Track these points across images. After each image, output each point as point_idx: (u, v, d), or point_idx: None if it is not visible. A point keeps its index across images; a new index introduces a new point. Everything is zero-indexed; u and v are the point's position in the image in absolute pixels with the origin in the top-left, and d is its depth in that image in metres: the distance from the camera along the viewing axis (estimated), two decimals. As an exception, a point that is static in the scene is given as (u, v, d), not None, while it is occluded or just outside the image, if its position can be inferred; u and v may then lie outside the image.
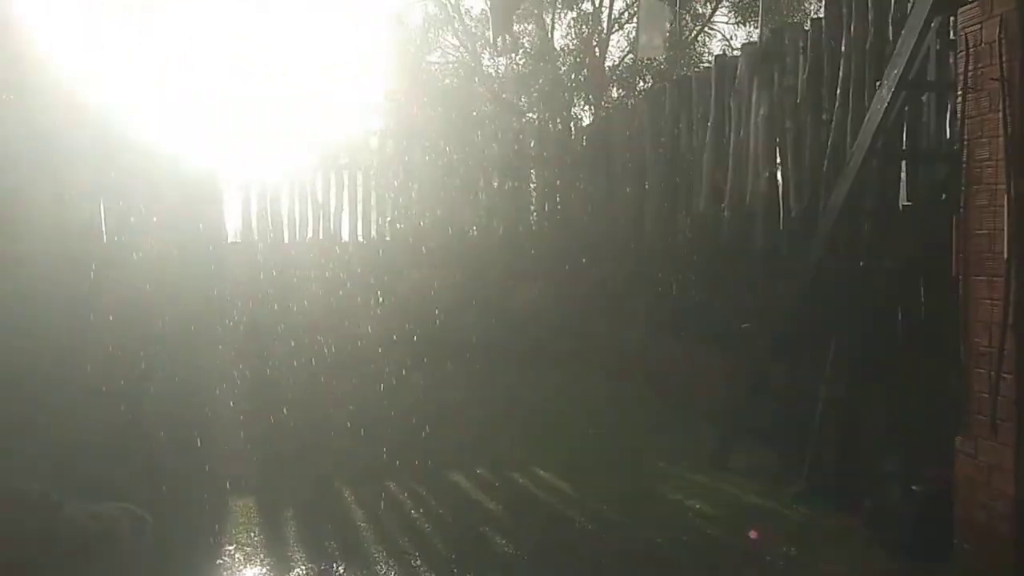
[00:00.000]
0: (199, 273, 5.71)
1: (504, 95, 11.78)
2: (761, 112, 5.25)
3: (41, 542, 3.10)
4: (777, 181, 5.15)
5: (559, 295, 7.38)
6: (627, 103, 10.73)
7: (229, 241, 7.82)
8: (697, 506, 4.07)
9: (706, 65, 10.47)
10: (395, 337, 6.63)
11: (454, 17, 12.81)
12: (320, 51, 12.98)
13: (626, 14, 12.61)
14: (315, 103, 12.71)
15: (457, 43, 13.02)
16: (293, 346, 6.23)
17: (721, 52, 12.18)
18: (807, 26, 5.11)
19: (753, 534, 3.64)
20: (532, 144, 8.79)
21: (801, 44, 5.02)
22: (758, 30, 12.56)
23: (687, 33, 12.42)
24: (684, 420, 5.44)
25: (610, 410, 5.81)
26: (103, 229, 5.27)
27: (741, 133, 5.46)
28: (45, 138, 4.09)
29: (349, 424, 5.10)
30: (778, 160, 5.14)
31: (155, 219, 5.55)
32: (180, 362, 4.84)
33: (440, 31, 12.80)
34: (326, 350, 6.40)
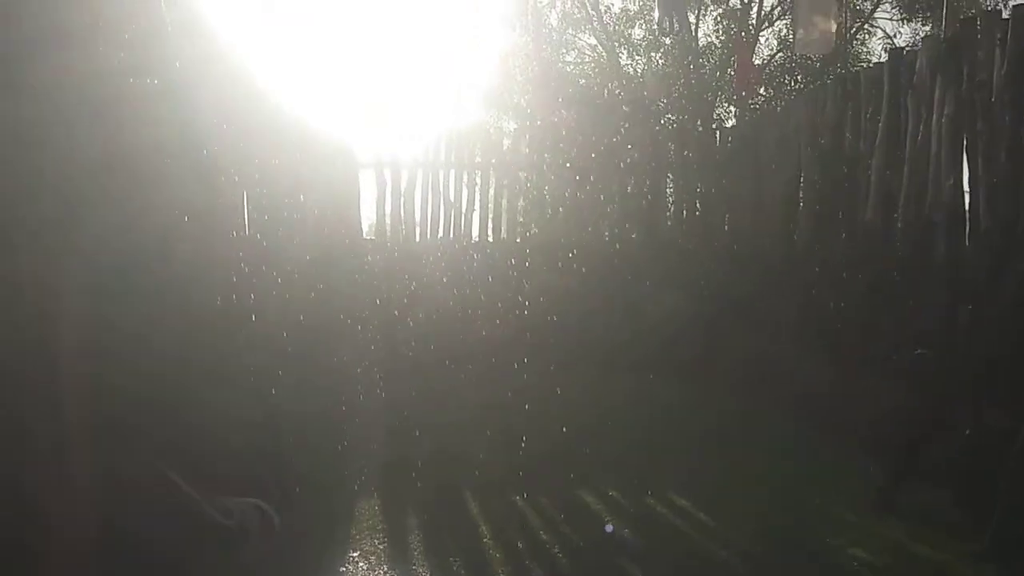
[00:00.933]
0: (337, 273, 5.72)
1: (643, 95, 11.40)
2: (945, 112, 4.66)
3: (189, 542, 3.05)
4: (963, 188, 4.55)
5: (696, 304, 6.98)
6: (777, 104, 10.10)
7: (364, 237, 7.91)
8: (861, 555, 3.59)
9: (864, 65, 9.71)
10: (524, 341, 6.44)
11: (592, 16, 12.55)
12: (457, 52, 13.09)
13: (777, 10, 11.94)
14: (449, 103, 12.82)
15: (594, 42, 12.76)
16: (423, 347, 6.15)
17: (885, 50, 11.30)
18: (1006, 14, 4.50)
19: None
20: (671, 146, 8.39)
21: (998, 36, 4.40)
22: (924, 26, 11.58)
23: (845, 31, 11.57)
24: (838, 451, 4.91)
25: (754, 431, 5.35)
26: (245, 220, 5.35)
27: (919, 135, 4.87)
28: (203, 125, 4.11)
29: (477, 430, 4.94)
30: (965, 165, 4.54)
31: (298, 215, 5.61)
32: (312, 361, 4.82)
33: (577, 30, 12.58)
34: (456, 352, 6.28)
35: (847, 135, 5.76)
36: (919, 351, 4.39)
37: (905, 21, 11.63)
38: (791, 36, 11.85)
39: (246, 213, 4.92)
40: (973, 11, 10.41)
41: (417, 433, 5.01)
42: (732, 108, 11.39)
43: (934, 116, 4.77)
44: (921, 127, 4.87)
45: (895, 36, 11.86)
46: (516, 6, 12.42)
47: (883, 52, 11.38)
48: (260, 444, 4.03)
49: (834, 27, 7.70)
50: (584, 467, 4.58)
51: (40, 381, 2.25)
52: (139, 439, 3.03)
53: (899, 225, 5.00)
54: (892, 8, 11.63)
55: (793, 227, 6.44)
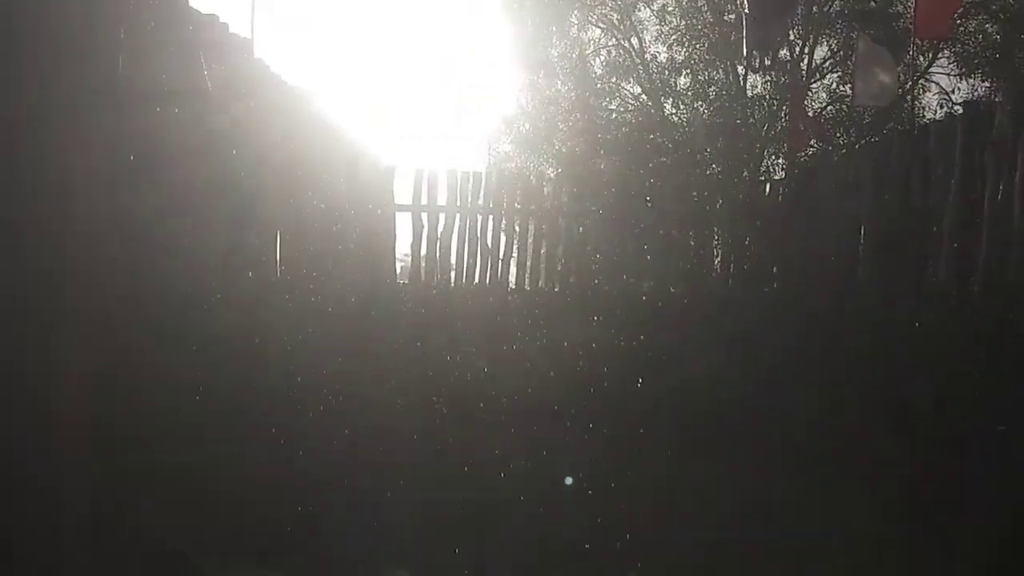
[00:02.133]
0: (370, 321, 5.47)
1: (688, 146, 11.16)
2: (1029, 168, 4.29)
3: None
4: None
5: (744, 366, 6.56)
6: (832, 156, 9.78)
7: (398, 281, 7.68)
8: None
9: (923, 119, 9.37)
10: (561, 399, 6.08)
11: (638, 64, 12.42)
12: (498, 97, 13.05)
13: (828, 63, 11.68)
14: (489, 147, 12.72)
15: (639, 91, 12.61)
16: (457, 401, 5.82)
17: (940, 105, 11.00)
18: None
19: None
20: (718, 196, 8.09)
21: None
22: (984, 81, 11.23)
23: (901, 85, 11.27)
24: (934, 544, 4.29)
25: (835, 519, 4.74)
26: (277, 260, 5.13)
27: (1000, 193, 4.50)
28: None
29: (511, 497, 4.55)
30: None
31: (332, 261, 5.40)
32: (341, 414, 4.53)
33: (622, 79, 12.45)
34: (490, 407, 5.94)
35: (915, 190, 5.39)
36: (1000, 427, 3.96)
37: (963, 77, 11.31)
38: (844, 88, 11.60)
39: (278, 253, 4.71)
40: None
41: (449, 494, 4.64)
42: (779, 160, 11.11)
43: (1016, 174, 4.39)
44: (1001, 185, 4.50)
45: (952, 91, 11.52)
46: (560, 53, 12.36)
47: (939, 107, 11.09)
48: (282, 499, 3.73)
49: (895, 79, 7.40)
50: (625, 559, 4.05)
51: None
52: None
53: (975, 289, 4.59)
54: (949, 63, 11.32)
55: (852, 284, 6.05)
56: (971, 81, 10.96)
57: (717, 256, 7.87)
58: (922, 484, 4.42)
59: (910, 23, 11.24)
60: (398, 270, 7.76)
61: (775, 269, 7.52)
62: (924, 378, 4.85)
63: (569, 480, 4.77)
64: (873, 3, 11.74)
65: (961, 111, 5.15)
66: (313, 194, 5.13)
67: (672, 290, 7.48)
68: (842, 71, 12.52)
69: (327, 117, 5.68)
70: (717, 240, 7.91)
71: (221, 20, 3.51)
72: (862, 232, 6.08)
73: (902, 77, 10.83)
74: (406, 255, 7.83)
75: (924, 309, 5.02)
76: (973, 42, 10.31)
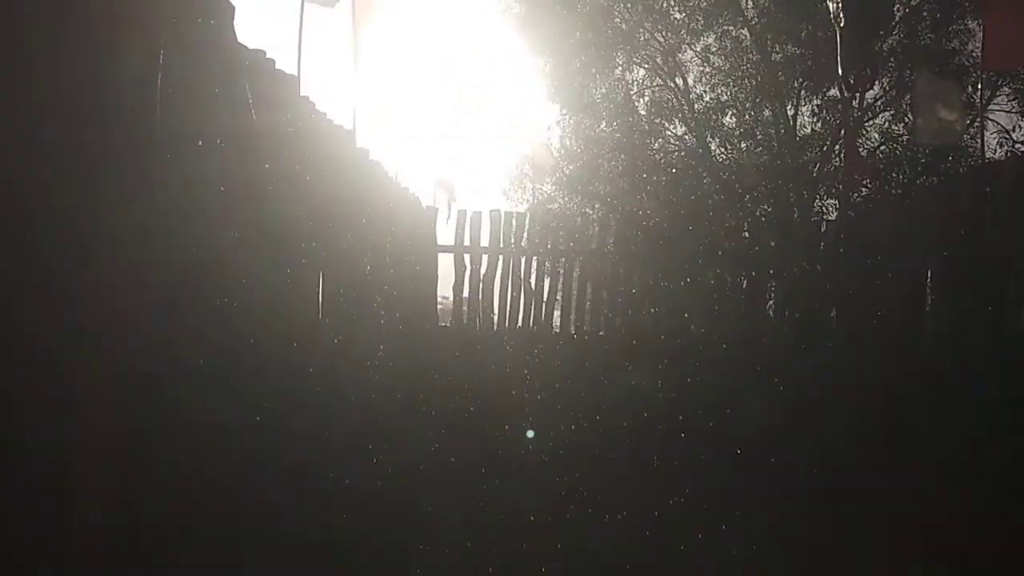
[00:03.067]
0: (412, 364, 5.29)
1: (737, 185, 10.92)
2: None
3: None
4: None
5: (804, 418, 6.21)
6: (891, 195, 9.44)
7: (439, 324, 7.51)
8: None
9: (983, 159, 8.98)
10: (608, 450, 5.79)
11: (683, 103, 12.27)
12: (542, 139, 12.97)
13: (880, 102, 11.39)
14: (534, 186, 12.61)
15: (683, 131, 12.44)
16: (497, 449, 5.57)
17: (1000, 144, 10.60)
18: None
19: None
20: (769, 238, 7.80)
21: None
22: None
23: (962, 123, 10.89)
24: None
25: None
26: (319, 303, 4.99)
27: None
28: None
29: (554, 556, 4.26)
30: None
31: (374, 303, 5.25)
32: (381, 462, 4.32)
33: (665, 119, 12.30)
34: (531, 457, 5.68)
35: (987, 233, 5.07)
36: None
37: (1022, 116, 10.90)
38: (898, 127, 11.28)
39: (320, 296, 4.56)
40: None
41: (495, 550, 4.38)
42: (832, 201, 10.80)
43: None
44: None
45: (1013, 130, 11.08)
46: (604, 94, 12.27)
47: (999, 146, 10.68)
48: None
49: (957, 116, 7.09)
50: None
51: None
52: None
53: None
54: (1010, 100, 10.93)
55: (918, 330, 5.70)
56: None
57: (770, 300, 7.56)
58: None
59: (967, 59, 10.97)
60: (439, 312, 7.60)
61: (833, 314, 7.17)
62: (1005, 435, 4.48)
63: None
64: (928, 40, 11.44)
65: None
66: (354, 235, 5.00)
67: (724, 338, 7.16)
68: (894, 109, 12.22)
69: (369, 155, 5.57)
70: (772, 284, 7.60)
71: (268, 56, 3.41)
72: (928, 277, 5.77)
73: (963, 115, 10.49)
74: (446, 298, 7.69)
75: (1003, 361, 4.67)
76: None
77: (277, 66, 3.59)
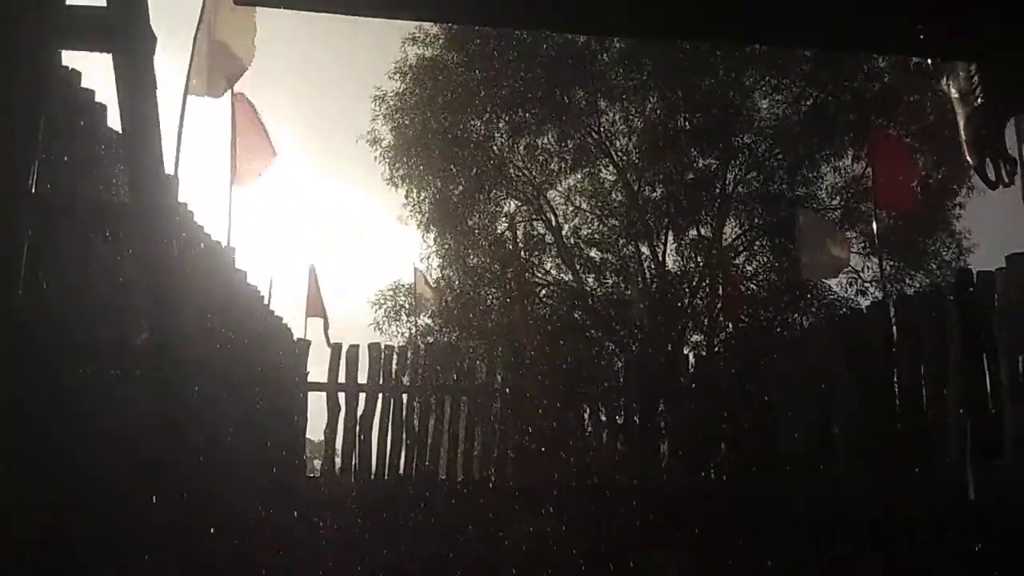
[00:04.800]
0: (273, 526, 4.38)
1: (613, 322, 10.86)
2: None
3: None
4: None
5: (713, 570, 5.75)
6: (778, 329, 9.62)
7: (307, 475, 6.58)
8: None
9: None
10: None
11: (555, 238, 12.35)
12: (420, 268, 12.56)
13: (742, 238, 11.94)
14: (411, 318, 12.04)
15: (558, 263, 12.46)
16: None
17: (850, 284, 11.28)
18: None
19: None
20: (653, 373, 7.57)
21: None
22: (891, 260, 11.65)
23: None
24: None
25: None
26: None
27: (1020, 366, 4.11)
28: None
29: None
30: None
31: (234, 451, 4.38)
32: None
33: (543, 253, 12.30)
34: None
35: (901, 367, 5.01)
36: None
37: (868, 256, 11.75)
38: (751, 267, 11.85)
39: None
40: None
41: None
42: (701, 337, 10.98)
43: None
44: (1019, 359, 4.12)
45: (862, 271, 11.89)
46: (476, 223, 12.14)
47: (849, 285, 11.40)
48: None
49: (845, 252, 7.34)
50: None
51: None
52: None
53: (1007, 475, 4.08)
54: (858, 242, 11.72)
55: (828, 467, 5.48)
56: (886, 261, 11.32)
57: (663, 440, 7.23)
58: None
59: (816, 203, 11.81)
60: (310, 459, 6.67)
61: (723, 450, 6.93)
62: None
63: None
64: (780, 187, 12.30)
65: (953, 279, 4.87)
66: (217, 371, 4.19)
67: (624, 479, 6.70)
68: (748, 252, 12.89)
69: (247, 277, 4.85)
70: (663, 422, 7.30)
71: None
72: (831, 414, 5.63)
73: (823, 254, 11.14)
74: (320, 441, 6.81)
75: (934, 503, 4.44)
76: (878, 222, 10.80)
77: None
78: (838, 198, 12.63)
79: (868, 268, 11.79)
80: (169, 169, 4.37)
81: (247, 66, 6.13)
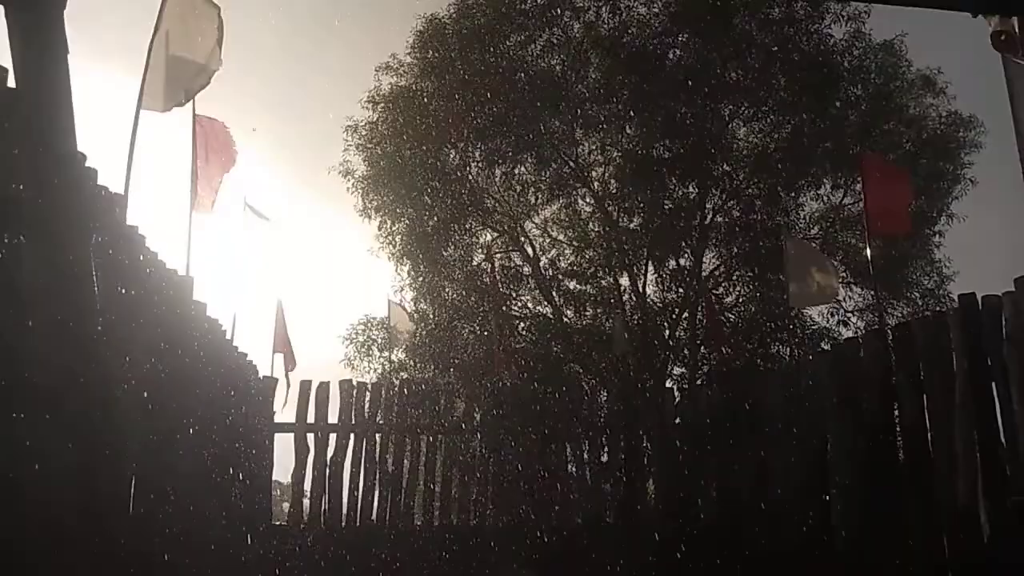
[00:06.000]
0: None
1: (590, 355, 10.57)
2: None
3: None
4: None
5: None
6: (759, 362, 9.36)
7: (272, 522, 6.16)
8: None
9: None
10: None
11: (533, 269, 12.09)
12: (393, 301, 12.19)
13: (719, 272, 11.77)
14: (383, 353, 11.63)
15: (536, 295, 12.18)
16: None
17: (832, 314, 11.07)
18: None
19: None
20: (638, 410, 7.24)
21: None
22: (862, 296, 11.54)
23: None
24: None
25: None
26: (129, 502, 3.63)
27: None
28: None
29: None
30: None
31: (195, 497, 3.98)
32: None
33: (519, 286, 12.02)
34: None
35: (903, 400, 4.75)
36: None
37: (850, 285, 11.64)
38: (732, 297, 11.69)
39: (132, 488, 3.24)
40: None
41: None
42: (683, 370, 10.72)
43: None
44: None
45: (844, 300, 11.76)
46: (451, 254, 11.85)
47: (830, 315, 11.23)
48: None
49: (835, 280, 7.13)
50: None
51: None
52: None
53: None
54: (841, 271, 11.60)
55: (827, 514, 5.17)
56: (867, 291, 11.21)
57: (650, 479, 6.90)
58: None
59: (797, 232, 11.68)
60: (278, 501, 6.25)
61: (714, 493, 6.60)
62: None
63: None
64: (760, 216, 12.18)
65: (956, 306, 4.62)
66: (180, 409, 3.82)
67: (610, 520, 6.37)
68: (728, 282, 12.73)
69: (207, 310, 4.49)
70: (647, 460, 6.97)
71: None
72: (827, 452, 5.34)
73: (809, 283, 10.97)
74: (287, 485, 6.38)
75: (945, 542, 4.16)
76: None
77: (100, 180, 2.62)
78: (816, 227, 12.59)
79: (849, 298, 11.68)
80: (118, 188, 4.03)
81: (214, 70, 5.77)
